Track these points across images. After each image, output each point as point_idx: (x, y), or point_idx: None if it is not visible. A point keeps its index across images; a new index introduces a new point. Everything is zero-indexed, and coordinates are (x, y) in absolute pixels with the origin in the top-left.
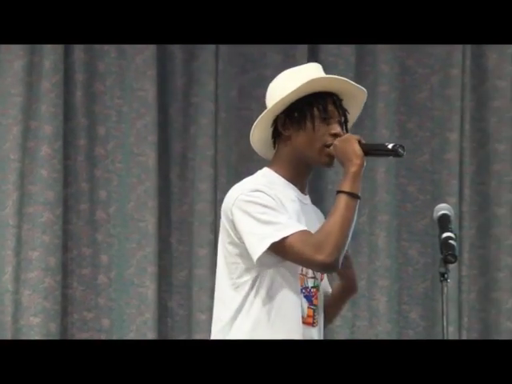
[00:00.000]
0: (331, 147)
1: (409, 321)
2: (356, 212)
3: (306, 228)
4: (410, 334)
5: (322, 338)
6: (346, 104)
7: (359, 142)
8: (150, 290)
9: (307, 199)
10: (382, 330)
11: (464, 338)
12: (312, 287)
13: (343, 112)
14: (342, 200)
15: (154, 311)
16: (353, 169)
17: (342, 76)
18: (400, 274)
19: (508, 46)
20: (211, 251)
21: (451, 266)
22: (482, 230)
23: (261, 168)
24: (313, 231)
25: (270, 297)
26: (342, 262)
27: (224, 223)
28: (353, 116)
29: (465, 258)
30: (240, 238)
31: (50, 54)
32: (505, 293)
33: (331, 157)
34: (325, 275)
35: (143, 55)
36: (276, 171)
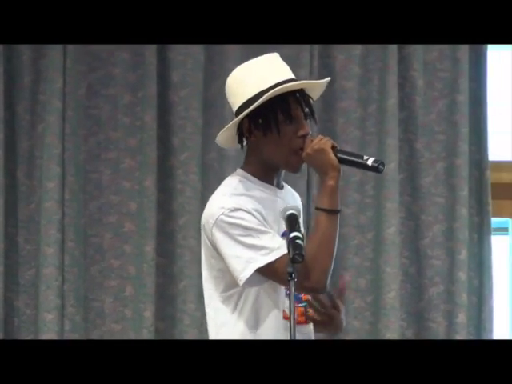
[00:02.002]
0: (303, 155)
1: None
2: (338, 226)
3: None
4: None
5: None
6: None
7: (334, 147)
8: None
9: (282, 192)
10: None
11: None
12: None
13: (307, 104)
14: (323, 219)
15: (0, 311)
16: (330, 182)
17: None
18: None
19: (355, 48)
20: (58, 250)
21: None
22: None
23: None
24: None
25: (255, 309)
26: (323, 300)
27: (205, 238)
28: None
29: None
30: (221, 255)
31: None
32: (351, 292)
33: (300, 163)
34: None
35: None
36: (250, 173)
